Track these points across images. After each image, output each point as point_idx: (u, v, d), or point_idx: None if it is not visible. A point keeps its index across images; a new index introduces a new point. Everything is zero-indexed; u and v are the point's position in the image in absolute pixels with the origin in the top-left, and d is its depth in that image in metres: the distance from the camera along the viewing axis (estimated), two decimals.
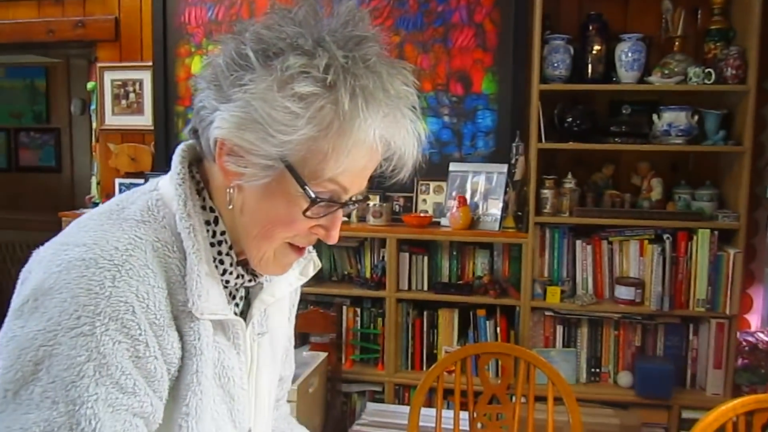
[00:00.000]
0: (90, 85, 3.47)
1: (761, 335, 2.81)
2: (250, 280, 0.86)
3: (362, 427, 2.53)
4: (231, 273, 0.83)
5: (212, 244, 0.81)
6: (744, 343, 2.78)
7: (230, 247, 0.82)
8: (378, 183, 0.84)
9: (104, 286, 0.70)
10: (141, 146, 3.34)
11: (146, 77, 3.30)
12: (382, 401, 2.82)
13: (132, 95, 3.34)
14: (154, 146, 3.31)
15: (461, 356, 1.81)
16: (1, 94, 5.32)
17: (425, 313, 2.84)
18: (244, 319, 0.87)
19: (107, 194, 3.34)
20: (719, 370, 2.69)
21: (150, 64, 3.27)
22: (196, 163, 0.84)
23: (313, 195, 0.74)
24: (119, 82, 3.35)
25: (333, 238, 0.81)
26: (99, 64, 3.37)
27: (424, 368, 2.81)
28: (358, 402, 2.85)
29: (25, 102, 5.33)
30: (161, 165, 3.26)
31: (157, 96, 3.27)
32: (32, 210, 4.98)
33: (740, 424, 1.52)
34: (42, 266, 0.74)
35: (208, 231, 0.81)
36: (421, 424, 1.81)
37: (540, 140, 2.65)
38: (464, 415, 1.82)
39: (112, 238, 0.74)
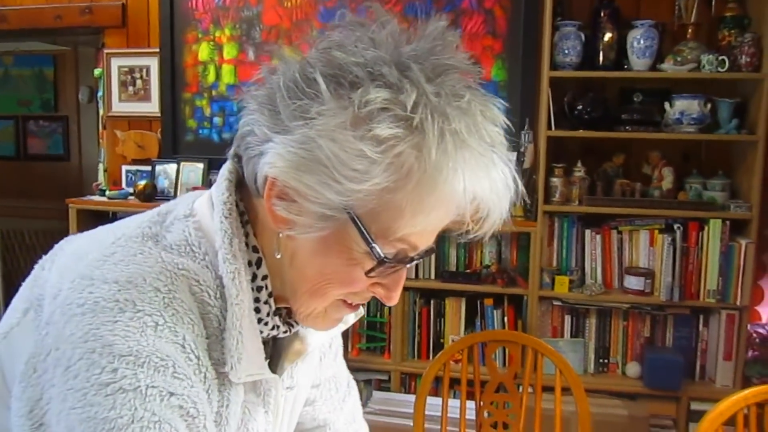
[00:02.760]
0: (97, 71, 3.46)
1: None
2: (285, 332, 0.74)
3: (369, 415, 2.52)
4: (266, 324, 0.71)
5: (252, 289, 0.69)
6: (755, 335, 2.75)
7: (270, 294, 0.70)
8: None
9: (146, 334, 0.59)
10: (148, 133, 3.33)
11: (153, 64, 3.29)
12: (388, 390, 2.81)
13: (139, 82, 3.33)
14: (161, 133, 3.30)
15: (468, 344, 1.79)
16: (10, 82, 5.32)
17: (432, 301, 2.82)
18: (273, 371, 0.76)
19: (114, 181, 3.34)
20: (729, 362, 2.66)
21: (157, 50, 3.25)
22: (239, 188, 0.70)
23: (381, 255, 0.62)
24: (126, 69, 3.33)
25: (393, 300, 0.69)
26: (106, 51, 3.35)
27: (431, 357, 2.79)
28: (364, 390, 2.83)
29: (33, 90, 5.33)
30: (168, 152, 3.25)
31: (164, 83, 3.25)
32: (41, 198, 4.99)
33: (751, 415, 1.49)
34: (58, 305, 0.62)
35: (248, 274, 0.69)
36: (427, 413, 1.79)
37: (550, 128, 2.61)
38: (471, 404, 1.80)
39: (151, 276, 0.62)
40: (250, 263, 0.69)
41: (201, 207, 0.71)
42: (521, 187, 0.65)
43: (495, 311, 2.76)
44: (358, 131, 0.59)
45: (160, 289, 0.62)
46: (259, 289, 0.70)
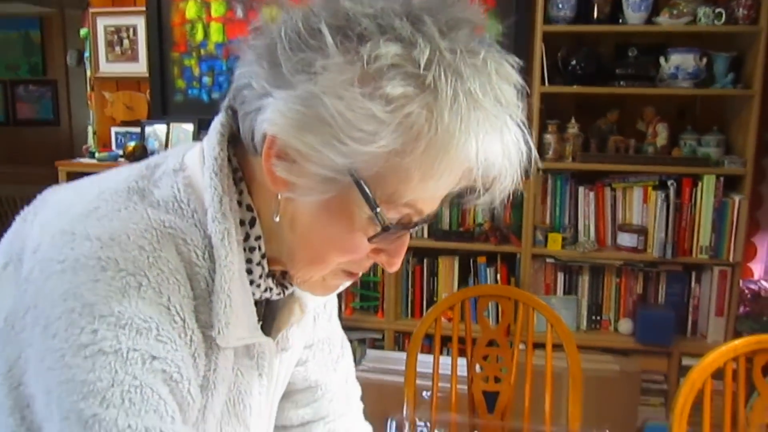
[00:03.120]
0: (83, 32, 3.38)
1: (764, 283, 2.79)
2: (279, 294, 0.71)
3: (362, 373, 2.53)
4: (258, 285, 0.68)
5: (243, 249, 0.65)
6: (746, 291, 2.76)
7: (263, 256, 0.67)
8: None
9: (128, 295, 0.56)
10: (137, 94, 3.28)
11: (140, 23, 3.21)
12: (382, 348, 2.82)
13: (126, 42, 3.26)
14: (150, 94, 3.25)
15: (460, 299, 1.78)
16: None
17: (425, 260, 2.82)
18: (267, 333, 0.73)
19: (104, 143, 3.30)
20: (720, 318, 2.67)
21: (143, 8, 3.17)
22: (233, 142, 0.66)
23: (385, 221, 0.60)
24: (112, 29, 3.26)
25: (395, 266, 0.66)
26: (91, 10, 3.28)
27: (424, 316, 2.79)
28: (358, 349, 2.85)
29: (20, 54, 5.25)
30: (157, 113, 3.20)
31: (151, 42, 3.18)
32: (31, 163, 4.95)
33: (740, 366, 1.50)
34: (38, 261, 0.59)
35: (241, 234, 0.65)
36: (420, 369, 1.79)
37: (543, 83, 2.58)
38: (462, 361, 1.80)
39: (135, 233, 0.58)
40: (242, 222, 0.65)
41: (192, 161, 0.66)
42: (534, 152, 0.62)
43: (488, 269, 2.76)
44: (366, 89, 0.55)
45: (145, 247, 0.58)
46: (251, 249, 0.66)
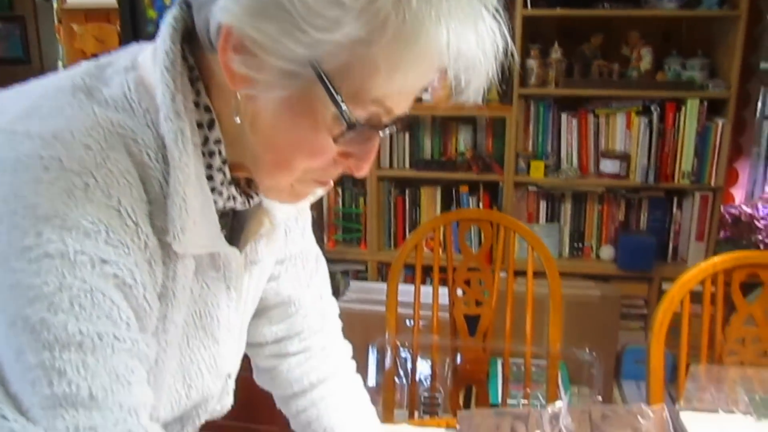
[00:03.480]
0: None
1: (745, 208, 2.80)
2: (243, 203, 0.68)
3: (346, 304, 2.54)
4: (221, 193, 0.65)
5: (202, 154, 0.62)
6: (727, 216, 2.77)
7: (224, 161, 0.63)
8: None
9: (74, 196, 0.52)
10: (106, 25, 3.17)
11: None
12: (365, 280, 2.83)
13: None
14: (120, 26, 3.13)
15: (441, 223, 1.77)
16: None
17: (407, 191, 2.80)
18: (235, 245, 0.70)
19: None
20: (701, 243, 2.70)
21: None
22: (189, 40, 0.61)
23: (351, 118, 0.56)
24: None
25: (364, 171, 0.63)
26: None
27: (406, 240, 2.79)
28: (341, 281, 2.85)
29: None
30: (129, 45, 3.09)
31: None
32: None
33: (719, 281, 1.51)
34: None
35: (199, 137, 0.61)
36: (402, 299, 1.79)
37: (525, 6, 2.50)
38: (445, 290, 1.80)
39: (80, 131, 0.55)
40: (200, 125, 0.61)
41: (144, 60, 0.62)
42: (511, 46, 0.58)
43: (470, 198, 2.75)
44: None
45: (91, 146, 0.54)
46: (211, 154, 0.62)
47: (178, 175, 0.58)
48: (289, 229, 0.86)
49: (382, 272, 2.84)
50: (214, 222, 0.64)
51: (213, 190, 0.64)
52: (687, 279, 1.48)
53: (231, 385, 0.80)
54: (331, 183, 0.74)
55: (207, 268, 0.68)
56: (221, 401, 0.79)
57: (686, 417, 1.25)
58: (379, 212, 2.80)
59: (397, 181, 2.80)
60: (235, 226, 0.73)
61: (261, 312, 0.89)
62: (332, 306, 0.97)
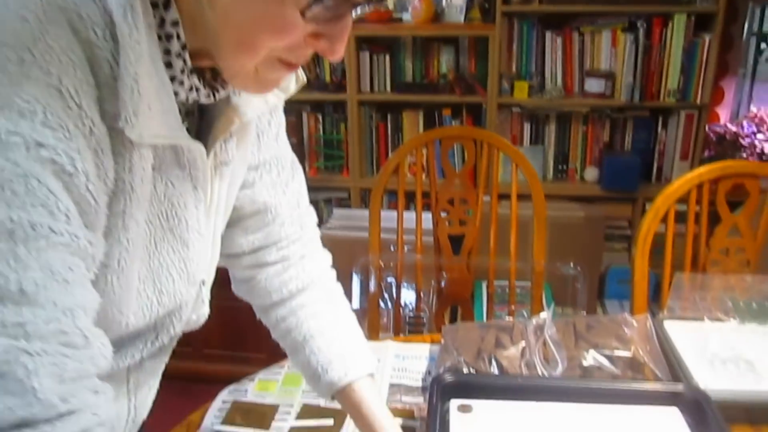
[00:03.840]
0: None
1: (730, 126, 2.78)
2: (207, 95, 0.64)
3: (329, 231, 2.52)
4: (182, 83, 0.60)
5: (159, 37, 0.57)
6: (711, 135, 2.75)
7: (183, 47, 0.58)
8: None
9: (7, 71, 0.48)
10: None
11: None
12: (348, 207, 2.80)
13: None
14: None
15: (423, 141, 1.72)
16: None
17: (389, 115, 2.73)
18: (204, 144, 0.66)
19: None
20: (685, 162, 2.68)
21: None
22: None
23: None
24: None
25: (338, 53, 0.59)
26: None
27: (388, 159, 2.76)
28: (324, 209, 2.82)
29: None
30: None
31: None
32: None
33: (704, 191, 1.49)
34: None
35: (154, 18, 0.56)
36: (386, 225, 1.76)
37: None
38: (428, 216, 1.77)
39: (16, 3, 0.50)
40: (155, 5, 0.56)
41: None
42: None
43: (453, 122, 2.70)
44: None
45: (28, 19, 0.49)
46: (168, 37, 0.57)
47: (128, 54, 0.53)
48: (261, 132, 0.82)
49: (365, 199, 2.81)
50: (173, 111, 0.60)
51: (173, 79, 0.59)
52: (673, 190, 1.46)
53: (206, 293, 0.77)
54: (303, 76, 0.70)
55: (170, 165, 0.64)
56: (196, 310, 0.76)
57: (670, 326, 1.25)
58: (361, 138, 2.74)
59: (378, 105, 2.74)
60: (203, 127, 0.69)
61: (237, 221, 0.86)
62: (310, 214, 0.94)
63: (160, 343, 0.74)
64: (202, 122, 0.69)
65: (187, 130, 0.65)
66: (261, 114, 0.76)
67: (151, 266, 0.65)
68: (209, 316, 0.80)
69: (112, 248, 0.59)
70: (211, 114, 0.69)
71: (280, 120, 0.85)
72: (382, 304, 1.98)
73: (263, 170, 0.84)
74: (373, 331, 1.78)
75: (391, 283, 1.94)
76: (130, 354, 0.71)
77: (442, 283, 1.82)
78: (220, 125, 0.68)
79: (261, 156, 0.83)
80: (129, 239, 0.60)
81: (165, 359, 0.81)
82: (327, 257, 0.95)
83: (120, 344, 0.70)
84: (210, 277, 0.78)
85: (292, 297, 0.90)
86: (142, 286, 0.65)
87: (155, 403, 0.84)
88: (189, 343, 2.47)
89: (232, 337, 2.45)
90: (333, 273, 0.95)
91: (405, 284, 1.83)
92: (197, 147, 0.65)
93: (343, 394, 0.86)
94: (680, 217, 1.50)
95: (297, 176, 0.89)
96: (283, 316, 0.90)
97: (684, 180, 1.48)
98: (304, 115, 2.76)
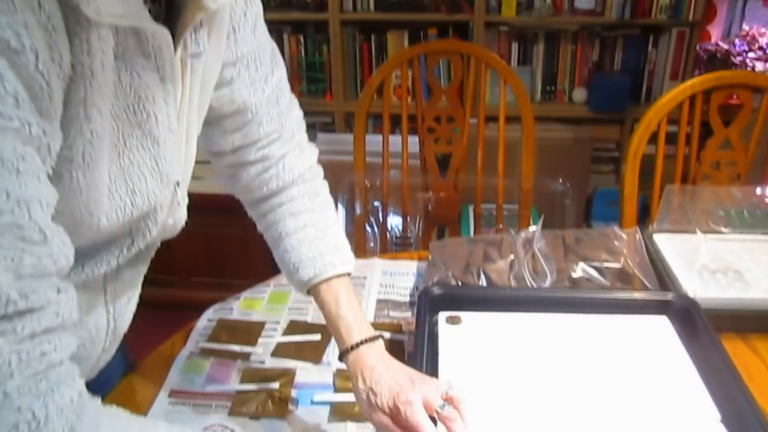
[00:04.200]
0: None
1: (722, 44, 2.71)
2: None
3: None
4: None
5: None
6: (702, 54, 2.70)
7: None
8: None
9: None
10: None
11: None
12: (333, 132, 2.74)
13: None
14: None
15: (407, 56, 1.66)
16: None
17: (373, 36, 2.64)
18: (172, 33, 0.62)
19: None
20: (675, 81, 2.63)
21: None
22: None
23: None
24: None
25: None
26: None
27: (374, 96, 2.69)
28: (308, 134, 2.76)
29: None
30: None
31: None
32: None
33: (697, 101, 1.45)
34: None
35: None
36: (371, 149, 1.71)
37: None
38: (415, 139, 1.72)
39: None
40: None
41: None
42: None
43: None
44: None
45: None
46: None
47: None
48: (237, 24, 0.76)
49: (350, 123, 2.75)
50: None
51: None
52: (665, 102, 1.43)
53: (182, 195, 0.73)
54: None
55: (135, 53, 0.59)
56: (172, 213, 0.73)
57: (659, 238, 1.23)
58: (344, 60, 2.66)
59: (361, 25, 2.64)
60: (172, 16, 0.64)
61: (216, 121, 0.82)
62: (292, 109, 0.90)
63: (136, 248, 0.70)
64: (170, 11, 0.64)
65: (154, 18, 0.60)
66: (234, 2, 0.70)
67: (121, 164, 0.61)
68: (185, 224, 0.77)
69: (75, 140, 0.54)
70: (178, 1, 0.63)
71: (257, 10, 0.79)
72: (368, 228, 1.96)
73: (241, 66, 0.79)
74: (360, 254, 1.76)
75: (377, 207, 1.91)
76: (106, 261, 0.68)
77: (429, 207, 1.79)
78: (188, 13, 0.63)
79: (238, 50, 0.78)
80: (93, 131, 0.56)
81: (143, 269, 0.78)
82: (312, 153, 0.92)
83: (95, 250, 0.67)
84: (186, 179, 0.74)
85: (274, 195, 0.88)
86: (114, 186, 0.61)
87: (136, 319, 0.81)
88: (176, 271, 2.48)
89: (219, 264, 2.43)
90: (319, 169, 0.92)
91: (391, 210, 1.80)
92: (162, 33, 0.59)
93: (313, 292, 0.86)
94: (670, 138, 1.47)
95: (277, 71, 0.85)
96: (264, 212, 0.89)
97: (677, 91, 1.45)
98: (285, 37, 2.66)
